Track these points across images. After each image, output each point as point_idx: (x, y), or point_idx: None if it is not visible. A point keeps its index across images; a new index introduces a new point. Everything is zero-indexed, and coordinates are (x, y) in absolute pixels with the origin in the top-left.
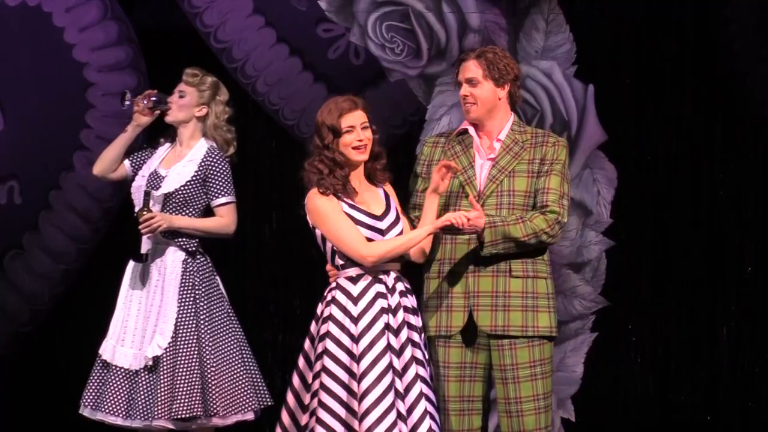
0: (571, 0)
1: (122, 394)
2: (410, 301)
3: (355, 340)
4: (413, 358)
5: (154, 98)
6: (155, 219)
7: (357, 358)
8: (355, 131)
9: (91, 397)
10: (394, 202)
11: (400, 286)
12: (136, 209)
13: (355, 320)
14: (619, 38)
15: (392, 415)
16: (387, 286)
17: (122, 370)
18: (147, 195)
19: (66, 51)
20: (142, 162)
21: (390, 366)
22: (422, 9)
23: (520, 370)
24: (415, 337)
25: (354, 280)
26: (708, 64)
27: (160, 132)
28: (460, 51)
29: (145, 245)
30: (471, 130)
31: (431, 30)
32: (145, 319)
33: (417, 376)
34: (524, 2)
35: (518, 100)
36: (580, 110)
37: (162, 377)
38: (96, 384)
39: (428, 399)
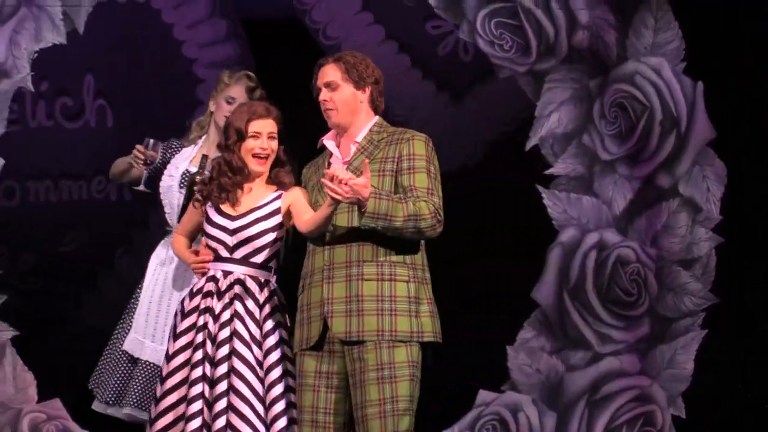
0: None
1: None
2: (249, 305)
3: (175, 337)
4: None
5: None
6: None
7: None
8: (261, 138)
9: (114, 393)
10: (281, 207)
11: (238, 289)
12: (167, 210)
13: (183, 316)
14: (728, 34)
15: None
16: (218, 288)
17: (153, 366)
18: (205, 158)
19: (175, 48)
20: (168, 156)
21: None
22: (531, 5)
23: (368, 372)
24: (238, 345)
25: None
26: None
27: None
28: (569, 48)
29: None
30: (328, 142)
31: (540, 26)
32: None
33: (227, 374)
34: None
35: (380, 105)
36: (689, 107)
37: None
38: (120, 380)
39: (239, 396)
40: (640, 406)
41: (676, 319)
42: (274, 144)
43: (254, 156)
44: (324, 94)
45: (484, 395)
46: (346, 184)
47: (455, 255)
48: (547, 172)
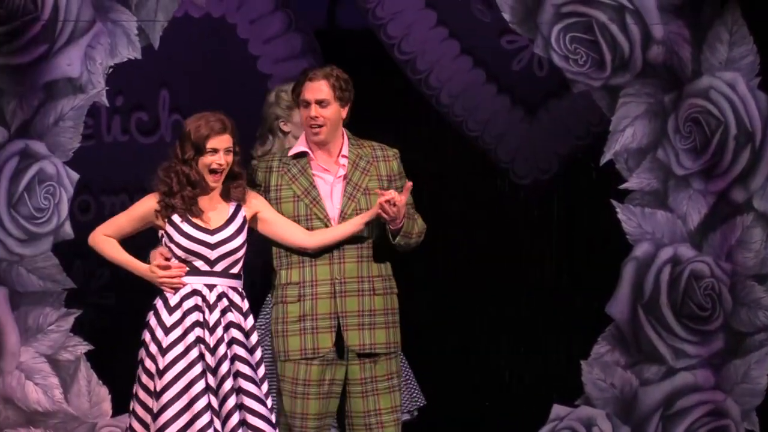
0: (756, 11)
1: None
2: (235, 316)
3: (163, 351)
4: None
5: None
6: None
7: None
8: (218, 154)
9: None
10: (246, 217)
11: (225, 302)
12: None
13: (167, 330)
14: None
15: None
16: (207, 301)
17: None
18: None
19: (250, 63)
20: None
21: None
22: (606, 20)
23: (379, 382)
24: (240, 351)
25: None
26: None
27: None
28: (644, 62)
29: None
30: (309, 151)
31: (615, 41)
32: None
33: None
34: (708, 14)
35: (347, 119)
36: (764, 121)
37: None
38: None
39: (250, 411)
40: (715, 420)
41: (751, 333)
42: (230, 158)
43: (211, 171)
44: (315, 110)
45: (558, 409)
46: (395, 205)
47: (529, 269)
48: (622, 186)
